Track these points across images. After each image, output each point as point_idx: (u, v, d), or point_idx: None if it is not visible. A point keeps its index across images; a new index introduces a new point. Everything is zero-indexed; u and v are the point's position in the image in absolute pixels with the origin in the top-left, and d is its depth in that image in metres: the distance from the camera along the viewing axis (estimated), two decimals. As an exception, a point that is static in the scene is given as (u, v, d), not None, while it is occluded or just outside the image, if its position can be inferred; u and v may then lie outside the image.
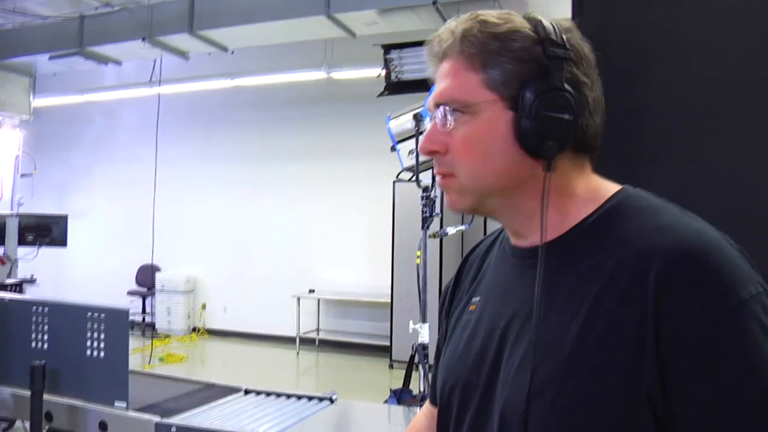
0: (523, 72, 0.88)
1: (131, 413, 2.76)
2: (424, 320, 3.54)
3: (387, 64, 5.66)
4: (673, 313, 0.77)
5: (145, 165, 9.55)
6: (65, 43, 6.91)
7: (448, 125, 0.91)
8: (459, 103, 0.90)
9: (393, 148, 3.34)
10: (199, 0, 6.48)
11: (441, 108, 0.92)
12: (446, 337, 1.09)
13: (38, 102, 8.85)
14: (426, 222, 3.30)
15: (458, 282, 1.13)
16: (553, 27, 0.89)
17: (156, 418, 2.67)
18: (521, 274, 0.95)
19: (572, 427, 0.81)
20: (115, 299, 9.73)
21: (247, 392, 3.11)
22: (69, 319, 3.07)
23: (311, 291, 9.04)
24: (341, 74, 8.01)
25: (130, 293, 9.80)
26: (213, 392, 3.08)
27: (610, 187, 0.94)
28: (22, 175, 10.32)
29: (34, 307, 3.11)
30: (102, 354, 2.87)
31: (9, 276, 5.61)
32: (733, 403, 0.75)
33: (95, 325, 3.03)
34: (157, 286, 9.85)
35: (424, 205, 3.28)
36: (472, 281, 1.08)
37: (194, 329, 9.96)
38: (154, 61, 8.58)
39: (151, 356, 7.82)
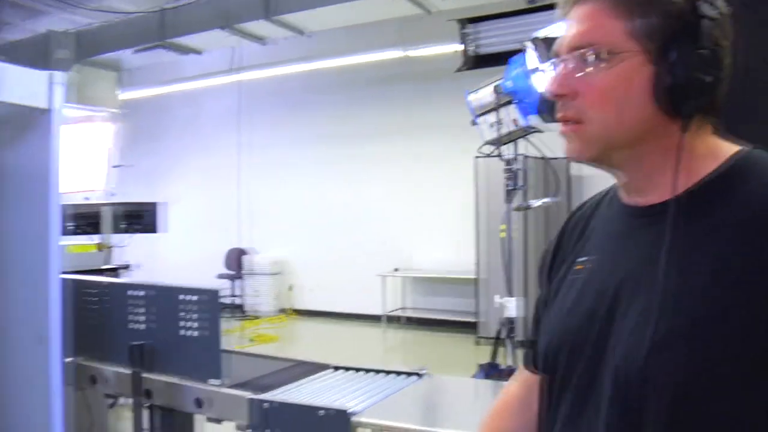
0: (670, 27, 0.85)
1: (225, 390, 2.85)
2: (510, 294, 3.50)
3: (464, 38, 5.57)
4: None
5: (231, 151, 9.82)
6: (148, 36, 7.14)
7: (585, 70, 0.89)
8: (600, 48, 0.87)
9: (473, 122, 3.30)
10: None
11: (578, 52, 0.89)
12: (547, 299, 1.07)
13: (127, 95, 9.20)
14: (510, 195, 3.25)
15: (560, 243, 1.10)
16: None
17: (249, 394, 2.75)
18: (636, 232, 0.93)
19: (697, 382, 0.80)
20: (205, 283, 10.04)
21: (336, 369, 3.15)
22: (163, 300, 3.19)
23: (396, 270, 9.10)
24: (418, 52, 7.95)
25: (220, 276, 10.10)
26: (303, 369, 3.13)
27: (731, 147, 0.92)
28: (115, 167, 10.80)
29: (130, 291, 3.25)
30: (195, 333, 2.96)
31: (106, 262, 5.89)
32: None
33: (188, 306, 3.14)
34: (246, 269, 10.12)
35: (508, 178, 3.23)
36: (576, 242, 1.06)
37: (282, 310, 10.19)
38: (232, 48, 8.75)
39: (241, 337, 8.06)
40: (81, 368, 3.27)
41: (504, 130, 3.15)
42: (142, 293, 3.24)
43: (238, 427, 2.83)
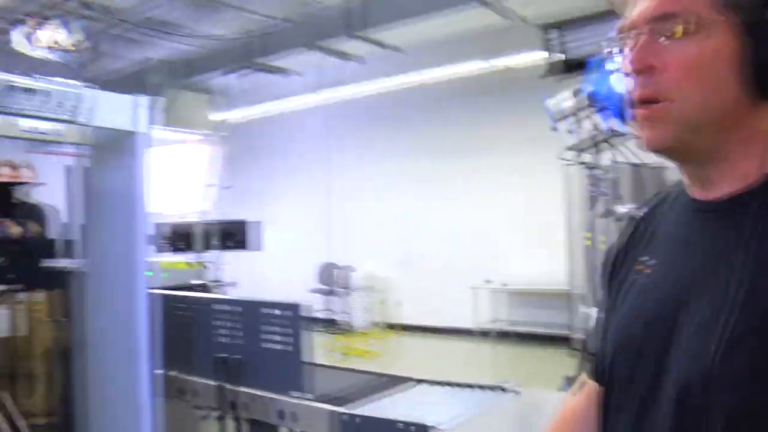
0: None
1: (307, 402, 2.86)
2: (595, 304, 3.37)
3: (548, 45, 5.44)
4: None
5: (324, 168, 10.01)
6: (239, 59, 7.38)
7: (670, 40, 0.79)
8: (687, 17, 0.78)
9: (553, 128, 3.21)
10: (358, 4, 6.64)
11: (659, 23, 0.80)
12: (610, 305, 0.99)
13: (222, 117, 9.52)
14: (593, 202, 3.14)
15: (624, 244, 1.01)
16: None
17: (330, 407, 2.75)
18: (705, 228, 0.84)
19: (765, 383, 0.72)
20: (300, 298, 10.24)
21: (419, 382, 3.12)
22: (247, 315, 3.26)
23: (488, 282, 8.98)
24: (503, 61, 7.85)
25: (313, 291, 10.26)
26: (386, 383, 3.11)
27: None
28: (220, 185, 11.19)
29: (216, 305, 3.33)
30: (278, 346, 3.00)
31: (199, 278, 6.09)
32: None
33: (271, 320, 3.19)
34: (339, 283, 10.24)
35: (591, 184, 3.12)
36: (639, 241, 0.98)
37: (375, 324, 10.24)
38: (329, 68, 8.92)
39: (333, 351, 8.15)
40: (171, 380, 3.37)
41: (585, 135, 3.05)
42: (227, 308, 3.32)
43: (319, 440, 2.85)
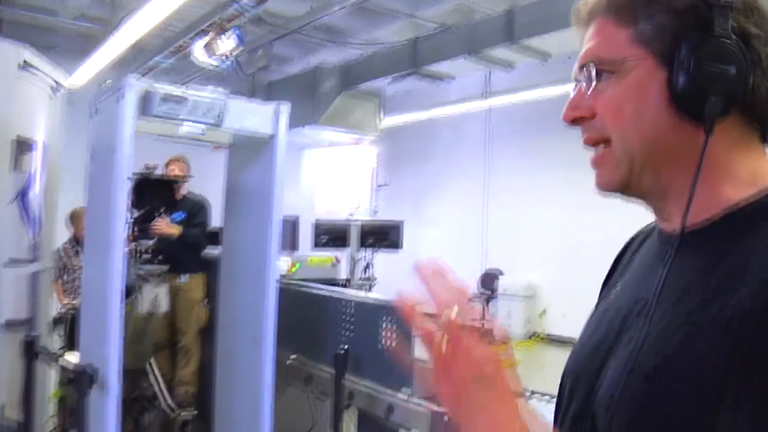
0: (679, 24, 0.76)
1: (414, 400, 2.98)
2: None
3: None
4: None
5: (485, 175, 10.05)
6: (402, 66, 7.63)
7: (592, 87, 0.81)
8: (605, 62, 0.80)
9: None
10: (518, 12, 6.64)
11: (585, 69, 0.82)
12: None
13: (388, 121, 9.85)
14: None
15: (611, 272, 1.02)
16: None
17: (433, 407, 2.85)
18: (659, 260, 0.83)
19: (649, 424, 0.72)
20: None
21: (533, 393, 3.12)
22: (368, 313, 3.44)
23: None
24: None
25: (473, 297, 10.31)
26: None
27: None
28: (378, 186, 11.66)
29: (344, 302, 3.54)
30: (393, 344, 3.14)
31: (351, 275, 6.40)
32: None
33: (389, 318, 3.35)
34: (499, 290, 10.19)
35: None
36: (622, 270, 0.98)
37: (534, 334, 10.09)
38: (486, 74, 8.98)
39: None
40: (298, 369, 3.63)
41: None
42: (352, 305, 3.53)
43: (420, 438, 2.95)
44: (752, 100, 0.76)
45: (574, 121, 0.85)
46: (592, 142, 0.84)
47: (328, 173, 11.26)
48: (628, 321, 0.82)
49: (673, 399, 0.70)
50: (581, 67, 0.83)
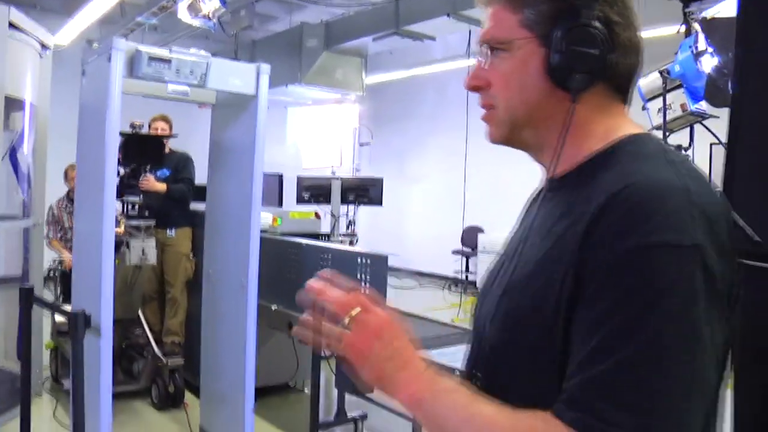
0: (555, 11, 0.93)
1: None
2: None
3: (686, 18, 5.26)
4: (593, 242, 0.82)
5: (467, 133, 10.16)
6: (386, 25, 7.70)
7: (488, 62, 0.99)
8: (498, 42, 0.97)
9: (643, 107, 3.24)
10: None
11: (483, 47, 0.99)
12: None
13: (371, 79, 9.92)
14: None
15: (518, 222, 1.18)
16: None
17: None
18: (542, 203, 1.02)
19: (505, 339, 0.93)
20: (442, 258, 10.67)
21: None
22: (346, 263, 3.65)
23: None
24: (648, 33, 7.53)
25: (455, 252, 10.53)
26: (464, 335, 3.35)
27: (629, 130, 0.95)
28: (361, 144, 11.79)
29: (322, 254, 3.74)
30: (368, 292, 3.35)
31: (332, 231, 6.59)
32: (593, 335, 0.79)
33: (364, 269, 3.55)
34: (479, 247, 10.40)
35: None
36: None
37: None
38: (469, 32, 9.06)
39: (464, 312, 8.41)
40: (280, 314, 3.84)
41: (671, 115, 3.06)
42: (329, 255, 3.73)
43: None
44: (613, 74, 0.95)
45: (473, 89, 1.02)
46: (482, 105, 1.03)
47: (313, 131, 11.36)
48: (511, 258, 1.00)
49: (529, 304, 0.89)
50: (480, 45, 1.01)
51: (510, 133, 1.00)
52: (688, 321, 0.77)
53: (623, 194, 0.82)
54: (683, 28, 4.77)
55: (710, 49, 2.82)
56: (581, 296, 0.82)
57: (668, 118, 3.08)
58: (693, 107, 3.04)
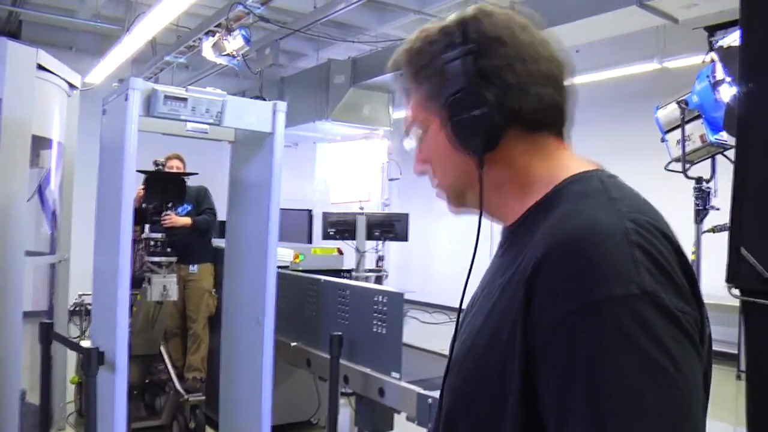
0: (439, 82, 0.92)
1: (403, 383, 3.15)
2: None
3: (712, 47, 5.22)
4: (536, 303, 0.77)
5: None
6: (411, 60, 7.76)
7: (418, 146, 0.99)
8: (413, 126, 0.99)
9: (662, 139, 3.18)
10: (520, 7, 6.70)
11: (409, 134, 1.01)
12: None
13: (399, 114, 9.98)
14: (699, 215, 3.07)
15: None
16: (451, 26, 0.92)
17: (419, 390, 3.01)
18: (493, 258, 1.00)
19: (458, 402, 0.88)
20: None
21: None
22: (363, 300, 3.61)
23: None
24: (674, 63, 7.49)
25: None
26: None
27: (574, 169, 0.91)
28: (390, 179, 11.80)
29: (339, 290, 3.72)
30: (384, 330, 3.31)
31: (358, 266, 6.57)
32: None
33: (380, 307, 3.51)
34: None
35: (697, 197, 3.06)
36: None
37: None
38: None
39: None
40: (299, 351, 3.82)
41: (690, 147, 3.00)
42: (348, 292, 3.70)
43: (408, 419, 3.12)
44: (520, 116, 0.89)
45: (420, 174, 1.03)
46: (435, 185, 1.02)
47: (342, 166, 11.43)
48: (468, 314, 0.99)
49: (482, 356, 0.85)
50: (406, 134, 1.01)
51: (458, 201, 1.00)
52: (659, 371, 0.70)
53: (559, 248, 0.77)
54: (709, 58, 4.73)
55: (728, 78, 2.78)
56: (537, 371, 0.76)
57: (688, 149, 3.02)
58: (712, 138, 2.98)
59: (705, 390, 0.80)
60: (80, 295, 5.08)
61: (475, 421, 0.85)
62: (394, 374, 3.22)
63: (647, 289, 0.71)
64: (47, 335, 3.12)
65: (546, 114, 0.91)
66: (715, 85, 2.80)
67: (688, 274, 0.78)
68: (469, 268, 0.97)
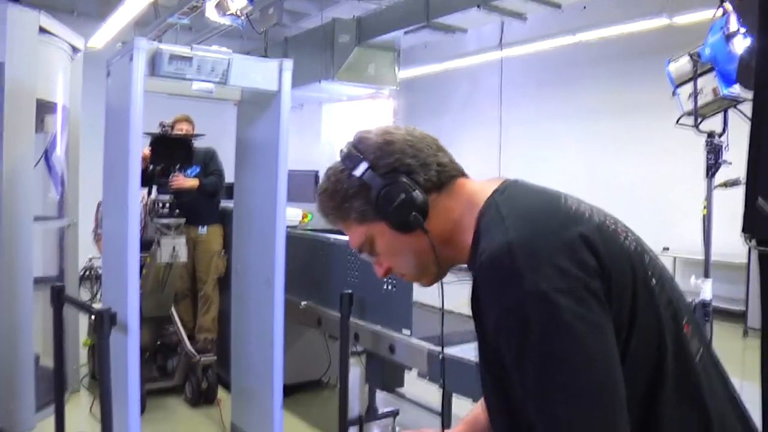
0: (362, 196, 1.10)
1: (413, 340, 3.17)
2: (706, 275, 3.30)
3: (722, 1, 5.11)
4: (479, 313, 1.01)
5: (500, 125, 10.06)
6: (416, 18, 7.65)
7: (373, 258, 1.17)
8: (362, 244, 1.15)
9: (673, 93, 3.14)
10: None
11: (361, 253, 1.18)
12: None
13: (404, 73, 9.88)
14: (710, 170, 3.04)
15: None
16: (345, 152, 1.12)
17: (429, 346, 3.03)
18: None
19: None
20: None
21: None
22: (373, 258, 3.61)
23: (665, 249, 8.61)
24: (683, 19, 7.33)
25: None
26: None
27: (478, 203, 1.09)
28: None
29: (349, 249, 3.72)
30: (394, 288, 3.32)
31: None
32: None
33: (390, 264, 3.50)
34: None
35: (708, 152, 3.03)
36: None
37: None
38: (501, 23, 8.99)
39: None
40: (309, 310, 3.84)
41: (702, 100, 2.96)
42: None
43: (419, 374, 3.15)
44: (433, 182, 1.11)
45: (387, 276, 1.21)
46: (403, 277, 1.21)
47: (348, 127, 11.38)
48: None
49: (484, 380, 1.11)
50: (358, 252, 1.19)
51: (429, 275, 1.18)
52: (576, 352, 0.89)
53: (482, 265, 0.97)
54: (720, 12, 4.64)
55: (742, 30, 2.72)
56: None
57: (699, 103, 2.98)
58: (725, 91, 2.93)
59: (674, 318, 1.01)
60: (90, 259, 5.10)
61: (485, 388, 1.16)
62: (404, 331, 3.24)
63: (541, 288, 0.90)
64: (59, 298, 3.13)
65: (448, 169, 1.14)
66: (729, 37, 2.74)
67: (590, 246, 0.96)
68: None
